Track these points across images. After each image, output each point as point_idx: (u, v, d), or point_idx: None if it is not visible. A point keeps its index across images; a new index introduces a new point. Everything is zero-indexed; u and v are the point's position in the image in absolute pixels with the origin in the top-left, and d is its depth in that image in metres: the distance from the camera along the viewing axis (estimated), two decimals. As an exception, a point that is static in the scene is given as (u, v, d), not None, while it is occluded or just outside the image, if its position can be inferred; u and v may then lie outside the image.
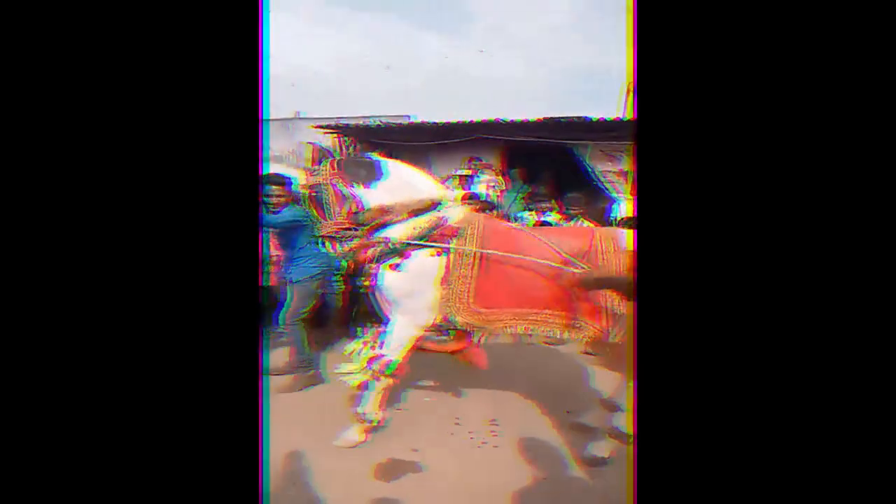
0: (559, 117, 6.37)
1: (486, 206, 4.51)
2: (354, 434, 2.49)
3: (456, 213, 2.47)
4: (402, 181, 2.45)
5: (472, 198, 4.39)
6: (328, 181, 2.42)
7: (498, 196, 5.95)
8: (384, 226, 2.42)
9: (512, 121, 7.10)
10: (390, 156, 3.07)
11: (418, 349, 2.58)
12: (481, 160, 6.50)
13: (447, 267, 2.36)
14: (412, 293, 2.37)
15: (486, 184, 5.97)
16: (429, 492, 2.11)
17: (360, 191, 2.40)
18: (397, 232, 2.40)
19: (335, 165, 2.45)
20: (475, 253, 2.34)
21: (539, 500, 2.06)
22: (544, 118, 6.45)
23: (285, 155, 11.00)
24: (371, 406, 2.48)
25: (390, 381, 2.45)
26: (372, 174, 2.44)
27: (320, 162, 2.49)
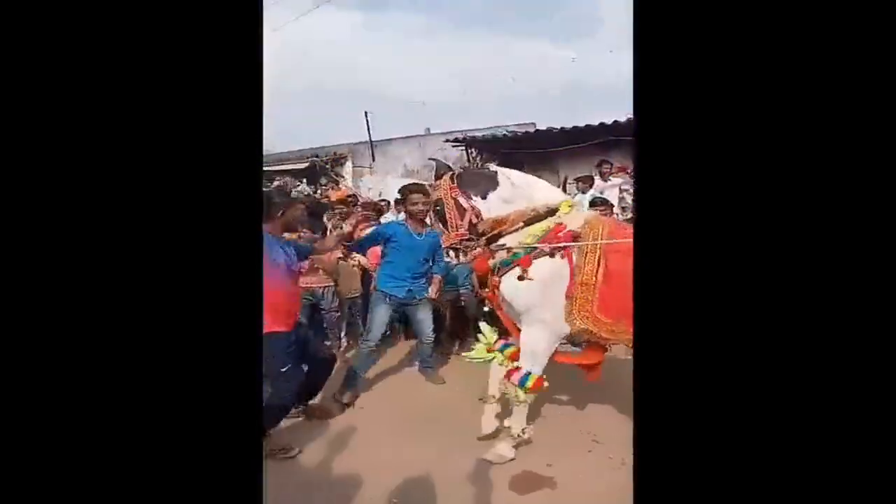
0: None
1: (613, 208, 4.27)
2: (506, 450, 2.41)
3: (577, 218, 2.38)
4: (514, 190, 2.43)
5: (600, 202, 4.19)
6: (448, 195, 2.48)
7: (632, 198, 5.60)
8: (501, 235, 2.42)
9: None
10: (509, 165, 3.05)
11: (552, 361, 2.49)
12: (612, 163, 6.17)
13: (570, 275, 2.24)
14: (540, 303, 2.30)
15: (620, 187, 5.66)
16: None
17: (478, 202, 2.45)
18: (513, 241, 2.37)
19: (453, 179, 2.51)
20: (597, 260, 2.21)
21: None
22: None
23: (418, 170, 11.64)
24: (518, 421, 2.41)
25: (531, 395, 2.37)
26: (488, 185, 2.47)
27: (440, 178, 2.57)
